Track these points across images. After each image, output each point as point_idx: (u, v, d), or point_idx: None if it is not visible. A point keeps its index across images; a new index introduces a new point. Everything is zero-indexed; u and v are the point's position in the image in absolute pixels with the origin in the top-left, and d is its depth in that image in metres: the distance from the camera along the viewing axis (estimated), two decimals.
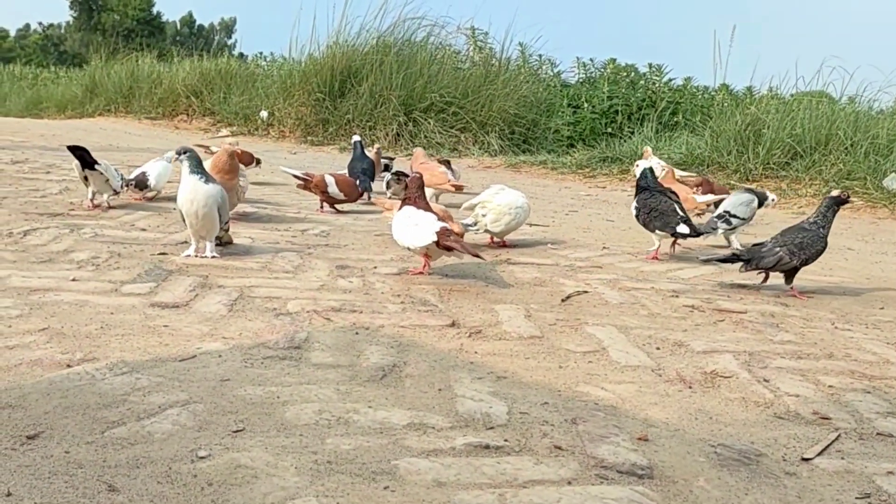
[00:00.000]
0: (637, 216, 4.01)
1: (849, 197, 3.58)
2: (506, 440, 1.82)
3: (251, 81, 12.37)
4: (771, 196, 4.57)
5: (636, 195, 4.06)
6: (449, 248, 3.18)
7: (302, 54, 11.45)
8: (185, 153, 3.37)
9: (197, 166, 3.36)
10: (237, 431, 1.78)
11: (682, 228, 3.80)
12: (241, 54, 20.50)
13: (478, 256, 3.28)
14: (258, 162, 5.91)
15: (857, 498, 1.62)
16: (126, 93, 14.02)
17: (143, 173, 4.70)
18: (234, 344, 2.37)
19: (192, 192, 3.30)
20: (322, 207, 4.96)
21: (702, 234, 4.03)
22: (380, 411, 1.94)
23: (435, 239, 3.15)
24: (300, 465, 1.64)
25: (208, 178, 3.38)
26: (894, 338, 2.78)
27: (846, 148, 7.16)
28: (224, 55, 15.54)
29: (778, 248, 3.34)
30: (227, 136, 11.03)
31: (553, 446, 1.80)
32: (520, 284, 3.32)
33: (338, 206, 4.98)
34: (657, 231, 3.90)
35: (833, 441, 1.89)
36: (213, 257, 3.38)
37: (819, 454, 1.82)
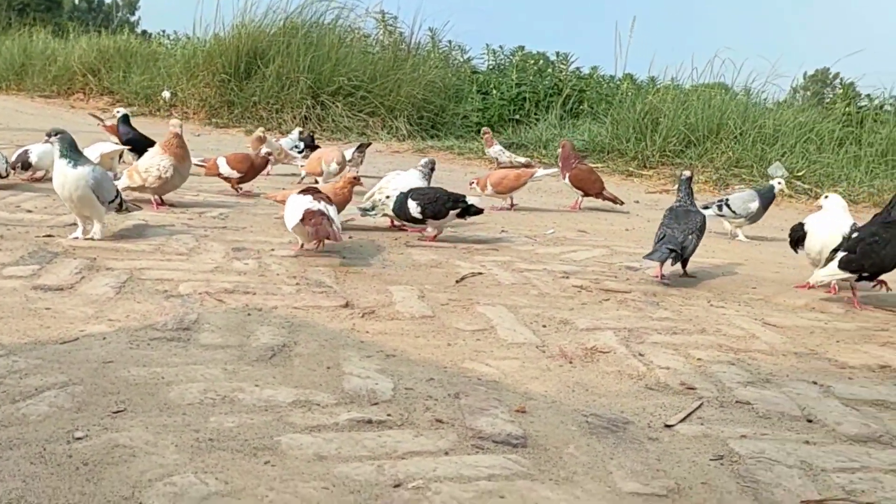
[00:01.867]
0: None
1: (692, 175, 3.82)
2: (389, 415, 1.87)
3: (153, 60, 11.99)
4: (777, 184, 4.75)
5: None
6: (315, 229, 3.25)
7: (206, 34, 11.18)
8: (55, 135, 3.27)
9: (67, 149, 3.26)
10: (117, 412, 1.78)
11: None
12: (145, 32, 19.82)
13: (334, 239, 3.29)
14: (151, 144, 5.77)
15: (710, 459, 1.75)
16: (18, 69, 13.38)
17: (26, 151, 4.55)
18: (120, 326, 2.34)
19: (62, 177, 3.23)
20: (238, 191, 4.95)
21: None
22: (266, 390, 1.96)
23: (301, 218, 3.24)
24: (181, 443, 1.65)
25: (78, 161, 3.28)
26: (762, 314, 2.97)
27: (735, 137, 7.52)
28: (125, 32, 14.99)
29: (689, 235, 3.44)
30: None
31: (434, 420, 1.87)
32: (416, 266, 3.38)
33: (243, 186, 4.95)
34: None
35: (695, 409, 2.03)
36: (101, 238, 3.30)
37: (681, 421, 1.95)
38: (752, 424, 1.95)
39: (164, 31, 16.70)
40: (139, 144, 5.24)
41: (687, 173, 3.81)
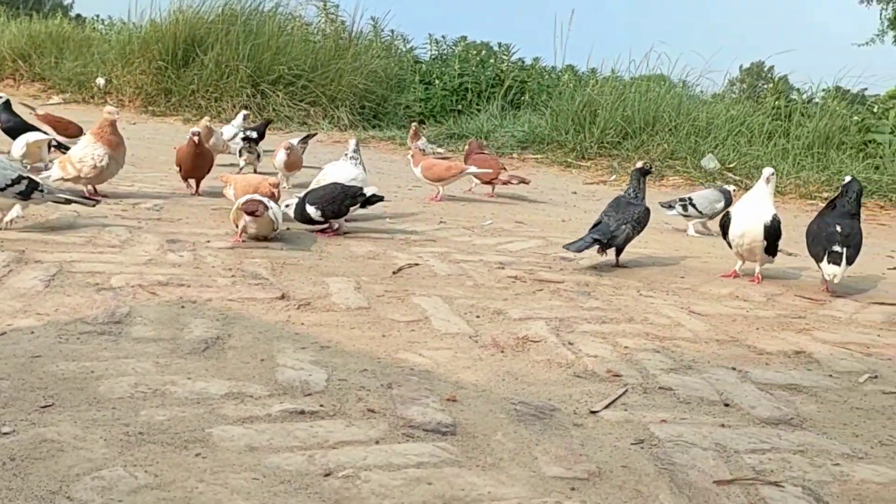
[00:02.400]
0: None
1: (651, 168, 3.86)
2: (321, 405, 1.90)
3: (87, 46, 11.66)
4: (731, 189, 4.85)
5: None
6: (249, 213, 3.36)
7: (142, 19, 10.92)
8: None
9: None
10: (45, 407, 1.77)
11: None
12: (79, 16, 19.24)
13: (257, 214, 3.37)
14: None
15: (631, 443, 1.83)
16: None
17: None
18: (49, 320, 2.31)
19: None
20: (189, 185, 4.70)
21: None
22: (198, 382, 1.97)
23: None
24: (110, 437, 1.66)
25: None
26: (689, 303, 3.08)
27: (670, 129, 7.71)
28: (57, 17, 14.53)
29: (623, 225, 3.54)
30: (60, 103, 10.38)
31: (367, 410, 1.90)
32: (353, 257, 3.40)
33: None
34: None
35: (620, 395, 2.10)
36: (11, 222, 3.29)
37: (606, 407, 2.02)
38: (672, 409, 2.03)
39: (98, 16, 16.21)
40: (19, 133, 4.98)
41: (639, 164, 3.88)
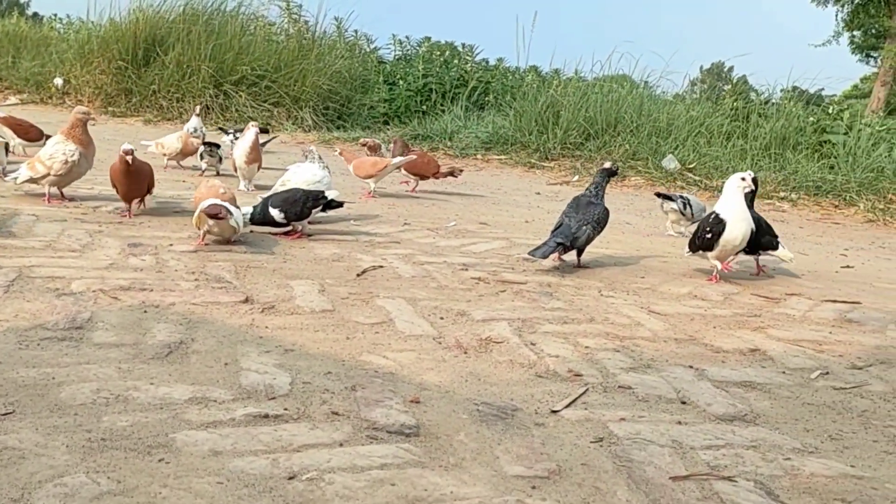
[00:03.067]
0: None
1: (618, 169, 3.85)
2: (286, 409, 1.91)
3: (44, 45, 11.48)
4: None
5: None
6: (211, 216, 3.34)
7: (101, 18, 10.78)
8: None
9: None
10: (5, 415, 1.75)
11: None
12: (36, 15, 18.90)
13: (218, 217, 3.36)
14: (47, 137, 5.57)
15: (591, 442, 1.87)
16: None
17: None
18: (9, 326, 2.29)
19: None
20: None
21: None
22: (161, 387, 1.97)
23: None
24: (72, 444, 1.65)
25: None
26: (648, 303, 3.14)
27: (632, 130, 7.82)
28: (14, 15, 14.27)
29: (584, 226, 3.57)
30: (17, 103, 10.20)
31: (331, 412, 1.92)
32: (318, 260, 3.41)
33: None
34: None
35: (581, 395, 2.15)
36: None
37: (566, 406, 2.06)
38: (631, 407, 2.08)
39: (56, 15, 15.93)
40: None
41: (607, 164, 3.92)
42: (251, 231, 3.78)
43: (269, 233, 3.82)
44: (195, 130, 6.24)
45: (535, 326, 2.72)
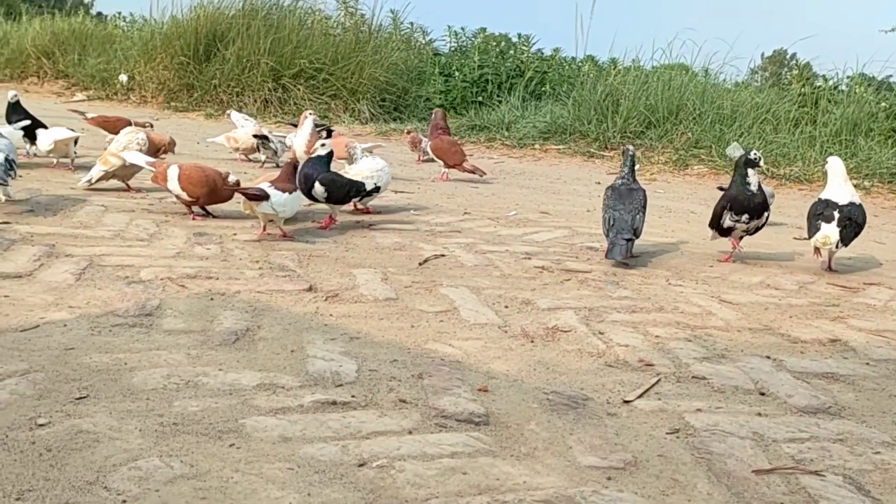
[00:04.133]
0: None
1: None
2: (353, 396, 1.89)
3: (109, 43, 11.75)
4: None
5: None
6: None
7: (164, 15, 10.98)
8: None
9: None
10: (80, 398, 1.77)
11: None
12: (100, 13, 19.39)
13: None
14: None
15: (667, 433, 1.80)
16: None
17: None
18: (81, 313, 2.32)
19: None
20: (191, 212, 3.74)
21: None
22: (230, 373, 1.97)
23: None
24: (145, 428, 1.66)
25: None
26: (719, 292, 3.05)
27: (694, 118, 7.62)
28: (80, 14, 14.66)
29: (637, 215, 3.46)
30: (84, 100, 10.47)
31: (398, 400, 1.89)
32: (379, 249, 3.40)
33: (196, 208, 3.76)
34: None
35: (653, 384, 2.08)
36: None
37: (639, 396, 2.00)
38: (707, 398, 2.01)
39: (119, 13, 16.32)
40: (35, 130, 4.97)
41: (631, 148, 3.84)
42: (312, 222, 3.79)
43: (365, 210, 3.91)
44: (246, 120, 6.29)
45: (603, 315, 2.65)
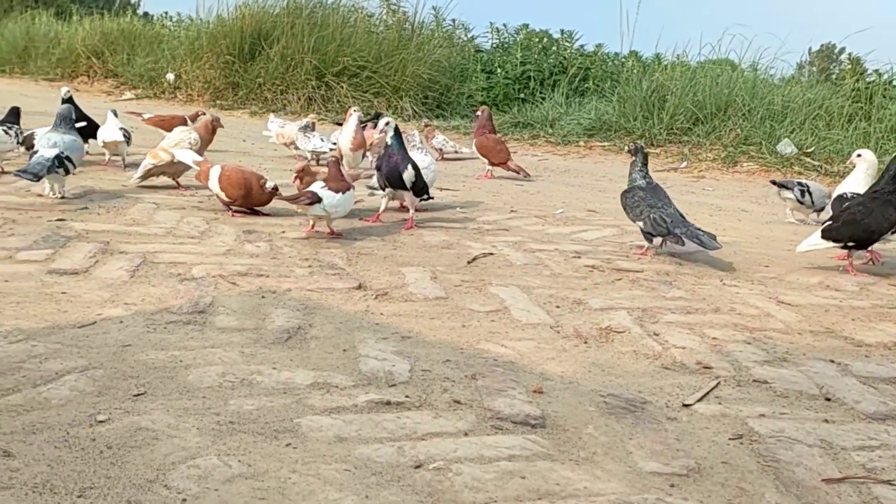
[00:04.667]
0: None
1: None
2: (407, 396, 1.87)
3: (157, 42, 11.93)
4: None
5: None
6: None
7: (210, 15, 11.12)
8: None
9: None
10: (138, 395, 1.78)
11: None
12: (147, 14, 19.70)
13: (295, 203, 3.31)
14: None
15: (730, 438, 1.75)
16: (21, 52, 13.34)
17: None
18: (137, 310, 2.34)
19: None
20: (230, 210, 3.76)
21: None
22: (284, 372, 1.97)
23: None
24: (202, 426, 1.66)
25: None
26: (776, 293, 2.97)
27: (744, 114, 7.47)
28: (127, 14, 14.92)
29: (676, 209, 3.45)
30: (132, 98, 10.65)
31: (452, 401, 1.87)
32: (427, 247, 3.38)
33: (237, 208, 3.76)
34: None
35: (713, 388, 2.03)
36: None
37: (699, 400, 1.95)
38: (770, 403, 1.95)
39: (166, 13, 16.58)
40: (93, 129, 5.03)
41: (641, 144, 3.79)
42: (360, 220, 3.79)
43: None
44: (283, 126, 6.31)
45: (657, 316, 2.60)
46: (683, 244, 3.29)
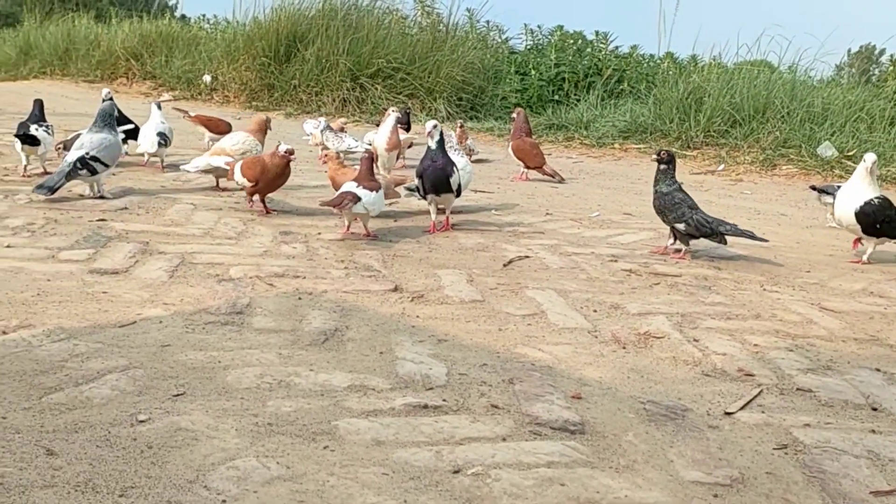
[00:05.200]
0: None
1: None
2: (444, 400, 1.87)
3: (194, 44, 12.06)
4: None
5: None
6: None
7: (246, 17, 11.22)
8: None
9: None
10: (177, 396, 1.80)
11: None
12: (184, 16, 19.97)
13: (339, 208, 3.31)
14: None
15: (774, 448, 1.72)
16: (62, 55, 13.56)
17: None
18: (175, 310, 2.36)
19: None
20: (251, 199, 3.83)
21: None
22: (321, 374, 1.97)
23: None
24: (241, 428, 1.67)
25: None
26: (818, 299, 2.91)
27: (782, 116, 7.34)
28: (165, 17, 15.12)
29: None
30: (170, 100, 10.79)
31: (490, 405, 1.86)
32: (463, 250, 3.37)
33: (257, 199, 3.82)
34: None
35: (755, 396, 1.99)
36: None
37: (741, 408, 1.91)
38: (815, 413, 1.91)
39: (203, 16, 16.77)
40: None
41: (672, 151, 3.76)
42: (395, 221, 3.78)
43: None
44: (317, 127, 6.33)
45: (697, 322, 2.56)
46: (726, 243, 3.39)
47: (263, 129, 4.59)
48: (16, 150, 4.32)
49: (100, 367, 1.91)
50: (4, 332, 2.09)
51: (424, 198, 3.69)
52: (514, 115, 6.00)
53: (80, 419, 1.65)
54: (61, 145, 4.58)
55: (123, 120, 4.97)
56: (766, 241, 3.42)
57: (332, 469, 1.53)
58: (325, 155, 3.89)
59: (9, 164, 4.58)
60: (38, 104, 4.57)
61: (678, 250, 3.48)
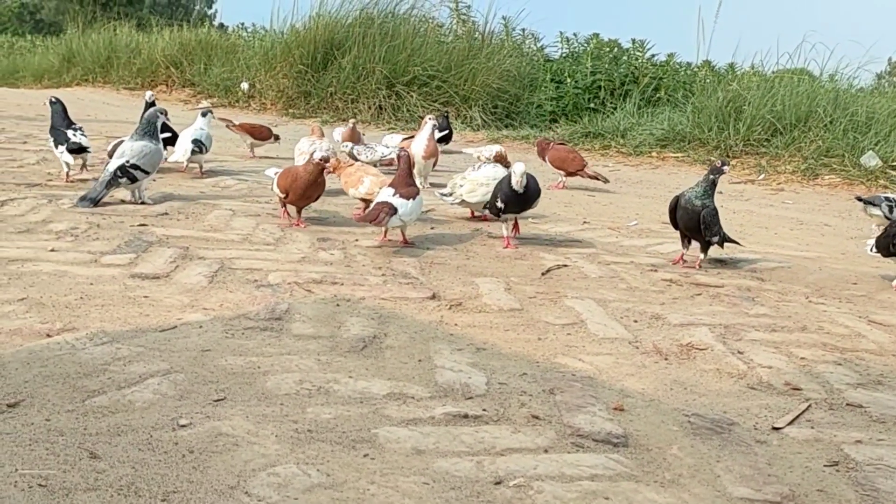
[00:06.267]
0: None
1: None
2: (484, 410, 1.84)
3: (232, 52, 12.22)
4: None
5: None
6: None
7: (284, 25, 11.33)
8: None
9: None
10: (218, 401, 1.80)
11: None
12: (222, 25, 20.25)
13: (377, 223, 3.28)
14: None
15: (825, 465, 1.67)
16: (104, 62, 13.82)
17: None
18: (215, 315, 2.37)
19: None
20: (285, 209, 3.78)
21: None
22: (360, 381, 1.96)
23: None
24: (281, 434, 1.66)
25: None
26: (867, 312, 2.83)
27: (825, 125, 7.20)
28: (205, 26, 15.35)
29: None
30: (209, 107, 10.92)
31: (531, 416, 1.83)
32: (500, 258, 3.34)
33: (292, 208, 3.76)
34: None
35: (804, 411, 1.94)
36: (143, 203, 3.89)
37: (789, 423, 1.86)
38: (866, 429, 1.85)
39: (241, 24, 16.99)
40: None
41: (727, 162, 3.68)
42: (432, 228, 3.77)
43: (483, 217, 3.91)
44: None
45: (741, 333, 2.51)
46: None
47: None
48: (58, 157, 4.38)
49: (142, 370, 1.92)
50: (49, 335, 2.12)
51: (498, 216, 3.61)
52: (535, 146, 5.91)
53: (122, 422, 1.66)
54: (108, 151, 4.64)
55: (164, 127, 5.02)
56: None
57: (372, 477, 1.52)
58: (333, 168, 3.75)
59: (52, 168, 4.65)
60: (62, 107, 4.45)
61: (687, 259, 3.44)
